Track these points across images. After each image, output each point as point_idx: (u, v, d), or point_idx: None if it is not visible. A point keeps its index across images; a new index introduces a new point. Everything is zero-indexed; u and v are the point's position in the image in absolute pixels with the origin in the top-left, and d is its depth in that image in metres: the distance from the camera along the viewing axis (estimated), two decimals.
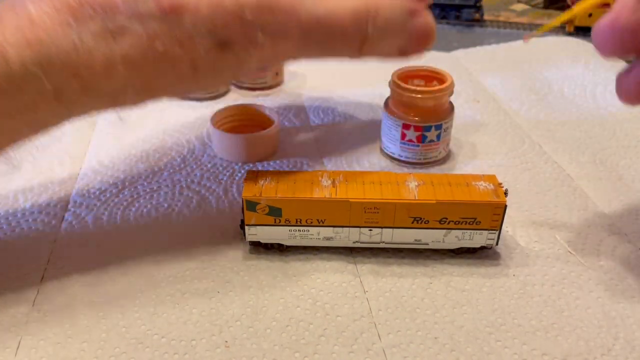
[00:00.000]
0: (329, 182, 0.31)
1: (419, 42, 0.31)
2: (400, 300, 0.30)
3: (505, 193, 0.31)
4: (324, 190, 0.31)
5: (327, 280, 0.31)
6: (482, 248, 0.32)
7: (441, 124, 0.40)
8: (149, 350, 0.27)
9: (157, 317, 0.29)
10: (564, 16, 0.30)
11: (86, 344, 0.27)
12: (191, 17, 0.25)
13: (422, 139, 0.40)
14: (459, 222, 0.31)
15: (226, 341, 0.27)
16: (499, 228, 0.31)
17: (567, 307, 0.29)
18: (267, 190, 0.30)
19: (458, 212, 0.30)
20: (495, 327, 0.28)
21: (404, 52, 0.31)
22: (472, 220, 0.30)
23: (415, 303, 0.30)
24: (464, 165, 0.42)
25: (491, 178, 0.32)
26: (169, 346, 0.27)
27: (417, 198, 0.30)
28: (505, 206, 0.30)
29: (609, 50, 0.28)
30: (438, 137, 0.40)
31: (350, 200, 0.30)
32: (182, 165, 0.41)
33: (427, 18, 0.31)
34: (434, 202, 0.30)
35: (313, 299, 0.30)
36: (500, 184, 0.31)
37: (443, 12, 0.76)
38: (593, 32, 0.28)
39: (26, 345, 0.27)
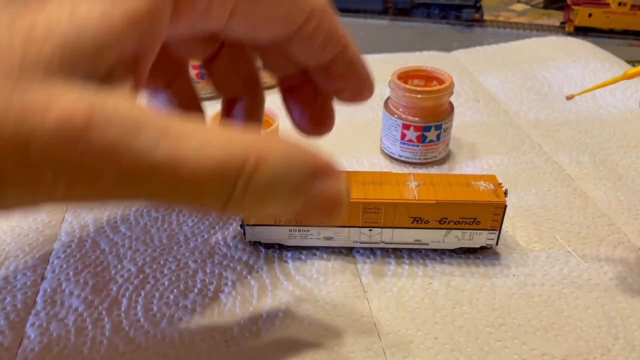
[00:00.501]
0: None
1: (320, 211, 0.23)
2: (401, 300, 0.30)
3: (505, 193, 0.31)
4: None
5: (327, 280, 0.31)
6: (482, 248, 0.32)
7: (441, 124, 0.40)
8: (150, 350, 0.27)
9: (157, 316, 0.29)
10: (610, 81, 0.29)
11: (86, 344, 0.27)
12: None
13: (422, 139, 0.40)
14: (458, 222, 0.31)
15: (226, 341, 0.27)
16: (498, 228, 0.31)
17: (567, 307, 0.29)
18: None
19: (458, 212, 0.30)
20: (495, 327, 0.28)
21: (301, 217, 0.23)
22: (472, 220, 0.30)
23: (415, 303, 0.30)
24: (464, 165, 0.42)
25: (491, 178, 0.32)
26: (169, 347, 0.27)
27: (417, 198, 0.30)
28: (505, 206, 0.30)
29: None
30: (438, 137, 0.40)
31: (350, 200, 0.30)
32: None
33: (336, 184, 0.23)
34: (434, 202, 0.30)
35: (313, 299, 0.30)
36: (500, 184, 0.31)
37: (443, 12, 0.76)
38: None
39: (26, 344, 0.27)
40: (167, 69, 0.29)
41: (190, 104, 0.31)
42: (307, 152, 0.22)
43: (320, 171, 0.22)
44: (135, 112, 0.19)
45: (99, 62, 0.19)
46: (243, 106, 0.30)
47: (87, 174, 0.18)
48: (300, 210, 0.23)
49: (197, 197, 0.20)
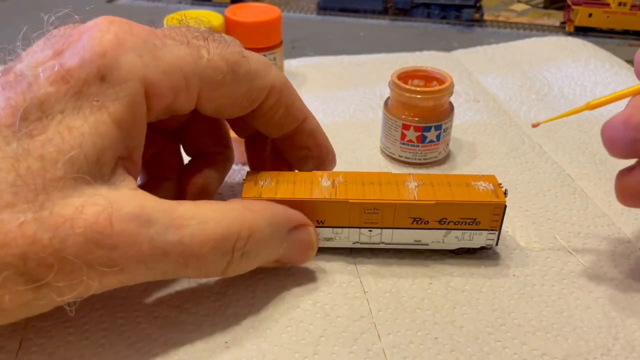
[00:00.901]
0: (329, 182, 0.31)
1: (297, 255, 0.30)
2: (400, 301, 0.30)
3: (505, 193, 0.31)
4: (323, 191, 0.31)
5: (327, 280, 0.31)
6: (482, 248, 0.32)
7: (441, 124, 0.40)
8: (151, 352, 0.27)
9: (157, 317, 0.29)
10: (573, 111, 0.29)
11: (87, 346, 0.27)
12: None
13: (422, 139, 0.40)
14: (458, 222, 0.31)
15: (226, 342, 0.27)
16: (498, 228, 0.31)
17: (567, 307, 0.29)
18: (267, 192, 0.30)
19: (458, 212, 0.30)
20: (495, 328, 0.28)
21: (280, 262, 0.30)
22: (472, 220, 0.30)
23: (415, 303, 0.30)
24: (464, 165, 0.42)
25: (491, 178, 0.32)
26: (169, 347, 0.27)
27: (416, 199, 0.30)
28: (505, 206, 0.30)
29: (619, 148, 0.26)
30: (438, 137, 0.40)
31: (350, 201, 0.30)
32: None
33: (308, 231, 0.29)
34: (434, 202, 0.30)
35: (313, 300, 0.30)
36: (500, 184, 0.31)
37: (443, 12, 0.76)
38: (604, 128, 0.27)
39: (26, 346, 0.27)
40: (153, 142, 0.32)
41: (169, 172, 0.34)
42: (284, 212, 0.28)
43: (295, 225, 0.29)
44: (143, 204, 0.23)
45: (102, 165, 0.23)
46: (211, 162, 0.33)
47: (115, 265, 0.22)
48: (281, 256, 0.29)
49: (202, 268, 0.25)
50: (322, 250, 0.33)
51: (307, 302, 0.30)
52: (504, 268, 0.32)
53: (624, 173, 0.28)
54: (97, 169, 0.23)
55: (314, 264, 0.32)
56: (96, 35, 0.23)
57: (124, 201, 0.23)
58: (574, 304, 0.30)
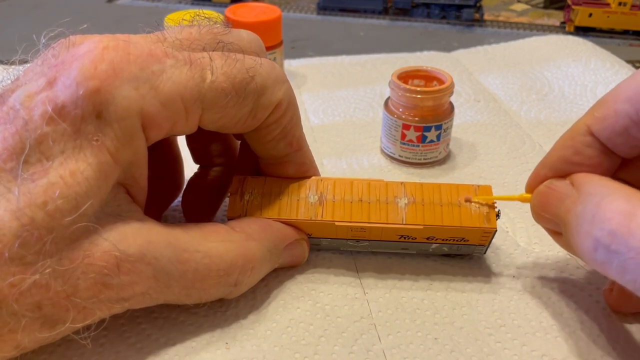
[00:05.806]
0: (316, 198, 0.30)
1: (289, 265, 0.31)
2: (400, 302, 0.30)
3: (498, 215, 0.29)
4: (309, 210, 0.30)
5: (327, 281, 0.31)
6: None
7: (441, 124, 0.40)
8: (152, 353, 0.27)
9: (157, 317, 0.29)
10: (513, 197, 0.30)
11: (86, 346, 0.27)
12: (8, 307, 0.21)
13: (422, 139, 0.40)
14: (446, 239, 0.30)
15: (226, 342, 0.27)
16: (487, 244, 0.31)
17: (566, 309, 0.29)
18: (252, 209, 0.30)
19: (446, 233, 0.30)
20: (495, 329, 0.28)
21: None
22: (460, 239, 0.30)
23: (415, 304, 0.30)
24: (464, 165, 0.42)
25: (486, 191, 0.30)
26: (169, 347, 0.27)
27: (404, 222, 0.29)
28: (495, 230, 0.29)
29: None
30: (438, 137, 0.40)
31: (336, 223, 0.29)
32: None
33: (302, 246, 0.31)
34: (422, 227, 0.29)
35: (313, 300, 0.30)
36: (494, 204, 0.30)
37: (443, 12, 0.76)
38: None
39: None
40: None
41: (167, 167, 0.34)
42: (282, 232, 0.29)
43: (290, 241, 0.30)
44: (149, 238, 0.24)
45: (107, 203, 0.23)
46: (217, 174, 0.34)
47: (123, 300, 0.24)
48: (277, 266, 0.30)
49: (203, 298, 0.27)
50: (323, 251, 0.33)
51: (307, 302, 0.30)
52: (504, 269, 0.32)
53: (606, 294, 0.30)
54: (101, 208, 0.23)
55: (314, 264, 0.32)
56: (88, 67, 0.22)
57: (130, 239, 0.23)
58: (574, 306, 0.30)
